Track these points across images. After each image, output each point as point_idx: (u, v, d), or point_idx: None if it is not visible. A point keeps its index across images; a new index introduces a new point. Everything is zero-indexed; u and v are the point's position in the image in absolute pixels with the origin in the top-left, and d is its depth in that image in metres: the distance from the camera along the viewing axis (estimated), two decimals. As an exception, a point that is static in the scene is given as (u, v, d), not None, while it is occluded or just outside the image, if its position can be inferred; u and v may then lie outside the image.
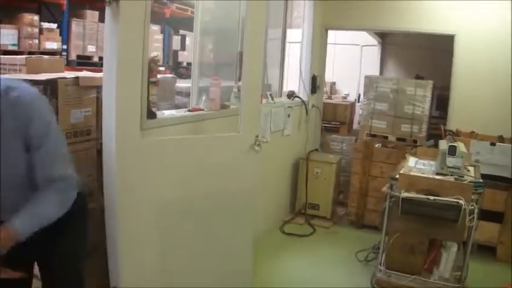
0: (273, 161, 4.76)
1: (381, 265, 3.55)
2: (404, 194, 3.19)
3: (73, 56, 5.80)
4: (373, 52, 8.59)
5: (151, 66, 2.77)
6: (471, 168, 3.65)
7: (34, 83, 2.53)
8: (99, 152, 2.75)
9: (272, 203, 4.99)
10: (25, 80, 2.52)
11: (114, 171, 2.57)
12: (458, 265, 3.50)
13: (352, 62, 8.37)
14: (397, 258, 3.51)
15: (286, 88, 5.30)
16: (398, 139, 5.17)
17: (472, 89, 5.03)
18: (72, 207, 1.94)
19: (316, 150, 5.63)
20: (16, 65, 3.04)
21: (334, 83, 7.51)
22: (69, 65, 5.47)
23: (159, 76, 3.06)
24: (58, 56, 3.65)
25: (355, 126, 6.58)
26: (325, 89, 6.86)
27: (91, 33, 6.05)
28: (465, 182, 3.24)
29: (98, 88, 2.71)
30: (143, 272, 2.80)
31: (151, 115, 2.85)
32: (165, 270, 2.88)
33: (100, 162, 2.74)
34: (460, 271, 3.42)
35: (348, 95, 7.57)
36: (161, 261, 2.85)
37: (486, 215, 4.15)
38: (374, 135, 5.25)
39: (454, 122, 5.11)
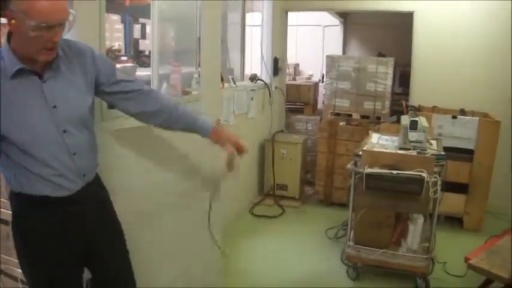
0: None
1: (349, 241, 3.64)
2: (368, 170, 3.26)
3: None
4: (336, 32, 8.63)
5: (109, 57, 2.77)
6: (434, 142, 3.72)
7: None
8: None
9: (240, 186, 5.02)
10: None
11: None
12: (426, 236, 3.60)
13: (315, 43, 8.40)
14: (365, 233, 3.59)
15: (250, 71, 5.32)
16: (362, 116, 5.25)
17: (432, 64, 5.13)
18: None
19: (282, 131, 5.69)
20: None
21: (297, 65, 7.54)
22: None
23: (118, 66, 3.05)
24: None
25: (319, 106, 6.64)
26: (288, 71, 6.90)
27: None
28: (427, 155, 3.32)
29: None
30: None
31: (111, 105, 2.85)
32: (135, 260, 2.90)
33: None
34: (428, 242, 3.52)
35: (311, 75, 7.62)
36: (130, 251, 2.86)
37: (451, 187, 4.29)
38: (338, 114, 5.32)
39: (416, 97, 5.20)
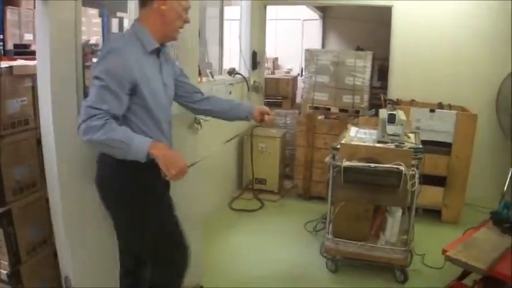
0: (217, 139, 4.78)
1: (328, 234, 3.66)
2: (346, 163, 3.27)
3: (10, 46, 5.57)
4: (315, 26, 8.64)
5: (85, 51, 2.73)
6: (412, 135, 3.75)
7: None
8: (39, 141, 2.71)
9: (219, 180, 5.02)
10: None
11: (54, 160, 2.53)
12: (404, 229, 3.65)
13: (294, 37, 8.40)
14: (344, 226, 3.61)
15: (229, 66, 5.30)
16: (340, 110, 5.25)
17: (410, 58, 5.17)
18: None
19: (260, 125, 5.61)
20: None
21: (276, 59, 7.54)
22: (7, 54, 5.25)
23: (95, 60, 3.01)
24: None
25: (298, 100, 6.63)
26: (267, 65, 6.89)
27: (27, 20, 5.80)
28: (405, 148, 3.34)
29: (33, 76, 2.64)
30: (93, 259, 2.78)
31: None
32: (114, 256, 2.86)
33: (40, 152, 2.69)
34: (406, 235, 3.56)
35: (291, 69, 7.62)
36: (109, 246, 2.83)
37: (429, 180, 4.33)
38: (317, 108, 5.32)
39: (394, 91, 5.25)
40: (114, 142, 2.04)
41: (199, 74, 4.16)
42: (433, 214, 4.72)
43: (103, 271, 2.84)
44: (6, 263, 2.73)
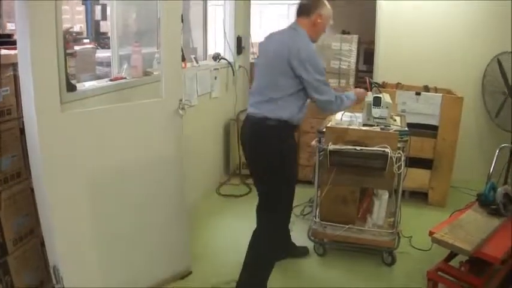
0: (203, 125, 4.77)
1: (315, 217, 3.67)
2: (332, 147, 3.28)
3: (-8, 35, 5.47)
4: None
5: (67, 38, 2.70)
6: (398, 118, 3.75)
7: None
8: (22, 131, 2.68)
9: (206, 166, 5.01)
10: None
11: (37, 149, 2.51)
12: (391, 212, 3.67)
13: (280, 21, 8.33)
14: (331, 209, 3.62)
15: (214, 51, 5.25)
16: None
17: (396, 41, 5.17)
18: None
19: (246, 110, 5.60)
20: None
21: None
22: (-12, 45, 5.17)
23: (77, 48, 2.98)
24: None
25: (284, 84, 6.57)
26: (253, 49, 6.83)
27: (8, 10, 5.72)
28: (390, 131, 3.34)
29: (15, 65, 2.61)
30: (80, 248, 2.78)
31: (71, 88, 2.78)
32: (101, 243, 2.87)
33: (24, 142, 2.67)
34: (393, 217, 3.58)
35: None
36: (95, 234, 2.83)
37: (416, 163, 4.36)
38: (303, 92, 5.29)
39: (380, 74, 5.24)
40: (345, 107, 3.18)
41: (183, 59, 4.13)
42: (419, 197, 4.75)
43: (91, 259, 2.84)
44: (-7, 255, 2.71)
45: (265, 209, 3.14)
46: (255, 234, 3.11)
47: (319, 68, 2.89)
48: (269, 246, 3.08)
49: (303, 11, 3.00)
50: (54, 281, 2.83)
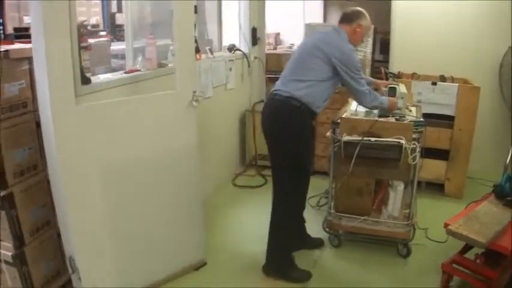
0: (219, 116, 4.79)
1: (330, 209, 3.66)
2: (346, 138, 3.27)
3: (10, 29, 5.54)
4: (316, 1, 8.51)
5: (81, 32, 2.72)
6: (413, 109, 3.72)
7: None
8: (38, 124, 2.72)
9: (222, 157, 5.04)
10: None
11: (52, 141, 2.55)
12: (407, 203, 3.63)
13: (296, 11, 8.29)
14: (346, 201, 3.62)
15: (229, 42, 5.25)
16: (342, 84, 5.19)
17: (412, 31, 5.11)
18: None
19: (262, 101, 5.58)
20: None
21: (278, 34, 7.45)
22: (7, 38, 5.23)
23: (92, 41, 3.01)
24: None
25: (300, 75, 6.54)
26: (269, 40, 6.83)
27: (25, 3, 5.77)
28: (405, 121, 3.31)
29: (30, 59, 2.64)
30: (95, 239, 2.82)
31: (85, 81, 2.82)
32: (116, 234, 2.91)
33: (40, 134, 2.72)
34: (409, 209, 3.54)
35: (293, 44, 7.51)
36: (111, 225, 2.87)
37: (432, 153, 4.32)
38: (318, 82, 5.26)
39: (396, 64, 5.19)
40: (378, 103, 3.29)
41: (198, 51, 4.14)
42: (436, 188, 4.70)
43: (107, 250, 2.89)
44: (11, 245, 2.76)
45: (279, 190, 3.25)
46: (271, 217, 3.29)
47: (357, 65, 3.13)
48: (284, 233, 3.26)
49: (345, 19, 3.26)
50: (70, 271, 2.89)
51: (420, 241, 3.70)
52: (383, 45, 6.06)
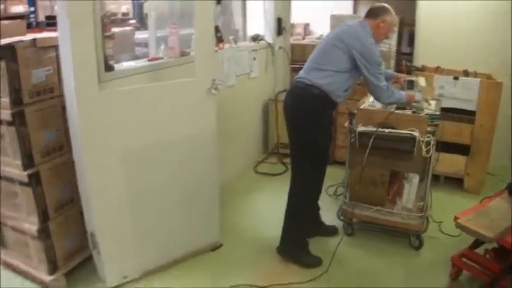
0: (242, 104, 4.88)
1: (345, 198, 3.74)
2: (360, 128, 3.34)
3: (42, 18, 5.71)
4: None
5: (104, 22, 2.85)
6: (433, 102, 3.71)
7: None
8: (65, 107, 2.88)
9: (244, 145, 5.13)
10: None
11: (76, 124, 2.70)
12: (422, 196, 3.65)
13: (325, 2, 8.25)
14: (361, 190, 3.66)
15: (256, 32, 5.30)
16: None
17: (438, 24, 5.04)
18: None
19: (285, 91, 5.62)
20: (-24, 33, 3.14)
21: (307, 24, 7.46)
22: (39, 26, 5.41)
23: (117, 30, 3.13)
24: (19, 20, 3.67)
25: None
26: (298, 31, 6.86)
27: (57, -9, 5.90)
28: (421, 114, 3.35)
29: (57, 47, 2.80)
30: (115, 217, 2.97)
31: (108, 68, 2.95)
32: (135, 214, 3.06)
33: (66, 117, 2.88)
34: (423, 201, 3.57)
35: (322, 35, 7.52)
36: (130, 205, 3.02)
37: (452, 148, 4.31)
38: (342, 73, 5.28)
39: (420, 57, 5.14)
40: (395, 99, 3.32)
41: (221, 40, 4.24)
42: (455, 183, 4.67)
43: (126, 228, 3.04)
44: (36, 220, 2.94)
45: (297, 176, 3.37)
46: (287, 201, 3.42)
47: (377, 60, 3.17)
48: (299, 219, 3.38)
49: (370, 14, 3.33)
50: (91, 247, 3.05)
51: (434, 234, 3.73)
52: (411, 37, 6.03)
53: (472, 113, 4.45)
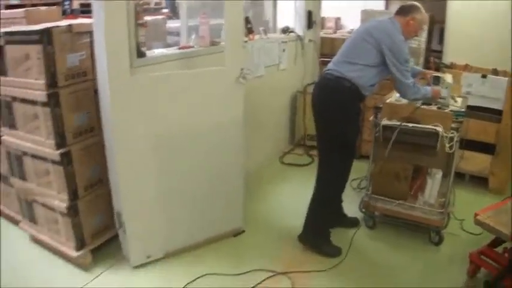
0: (270, 95, 4.93)
1: (368, 191, 3.78)
2: (385, 122, 3.38)
3: (76, 5, 5.84)
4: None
5: (138, 10, 2.95)
6: (459, 99, 3.71)
7: (31, 32, 2.80)
8: (96, 91, 3.00)
9: (271, 135, 5.20)
10: (22, 31, 2.79)
11: (108, 108, 2.81)
12: (444, 192, 3.65)
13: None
14: (383, 184, 3.70)
15: (286, 24, 5.34)
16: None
17: (468, 22, 5.01)
18: None
19: (314, 83, 5.66)
20: (16, 18, 3.29)
21: (338, 18, 7.46)
22: (73, 13, 5.55)
23: (149, 18, 3.22)
24: (55, 7, 3.81)
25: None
26: (329, 24, 6.87)
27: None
28: (446, 110, 3.37)
29: (91, 33, 2.92)
30: (142, 197, 3.09)
31: (140, 54, 3.05)
32: (161, 196, 3.16)
33: (98, 101, 3.00)
34: (445, 198, 3.58)
35: (353, 30, 7.52)
36: (157, 187, 3.12)
37: (478, 146, 4.29)
38: (371, 68, 5.29)
39: (450, 55, 5.11)
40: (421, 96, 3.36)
41: (252, 31, 4.30)
42: (480, 181, 4.63)
43: (152, 209, 3.15)
44: (66, 198, 3.07)
45: (324, 167, 3.42)
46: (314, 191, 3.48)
47: (405, 56, 3.21)
48: (324, 207, 3.45)
49: (401, 11, 3.36)
50: (117, 226, 3.17)
51: (455, 231, 3.73)
52: (442, 35, 5.98)
53: (498, 112, 4.41)
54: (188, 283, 3.07)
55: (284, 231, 3.72)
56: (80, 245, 3.18)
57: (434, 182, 3.68)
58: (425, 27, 5.01)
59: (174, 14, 5.13)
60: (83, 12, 5.37)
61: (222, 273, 3.17)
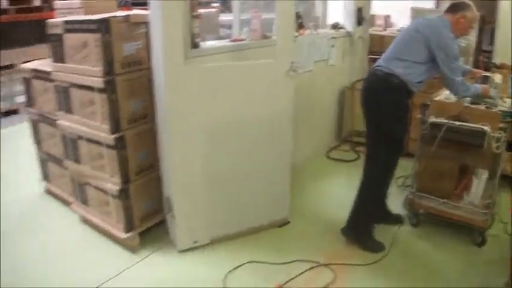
0: (318, 90, 4.96)
1: (412, 188, 3.77)
2: (432, 119, 3.37)
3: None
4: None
5: (193, 3, 3.05)
6: (508, 100, 3.67)
7: (90, 22, 2.95)
8: (150, 79, 3.11)
9: (319, 130, 5.24)
10: (82, 20, 2.93)
11: (162, 96, 2.92)
12: (490, 193, 3.61)
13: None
14: (428, 182, 3.68)
15: (336, 20, 5.35)
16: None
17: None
18: None
19: (362, 80, 5.63)
20: (73, 8, 3.45)
21: (388, 16, 7.41)
22: (127, 5, 5.72)
23: (203, 11, 3.32)
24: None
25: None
26: (379, 22, 6.83)
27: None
28: (494, 110, 3.34)
29: (147, 24, 3.05)
30: (191, 184, 3.18)
31: (194, 45, 3.15)
32: (210, 184, 3.26)
33: (152, 89, 3.12)
34: (491, 199, 3.53)
35: (402, 28, 7.46)
36: (206, 175, 3.22)
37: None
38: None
39: (500, 54, 5.03)
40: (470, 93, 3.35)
41: (302, 26, 4.34)
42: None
43: (200, 195, 3.24)
44: (118, 181, 3.20)
45: (372, 163, 3.47)
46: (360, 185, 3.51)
47: (454, 54, 3.22)
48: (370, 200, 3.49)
49: (451, 9, 3.34)
50: (166, 210, 3.28)
51: (498, 233, 3.66)
52: (493, 35, 5.88)
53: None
54: (232, 269, 3.15)
55: (328, 224, 3.75)
56: (129, 227, 3.31)
57: (480, 182, 3.65)
58: (475, 26, 4.94)
59: (226, 8, 5.23)
60: (134, 4, 5.51)
61: (266, 262, 3.24)
